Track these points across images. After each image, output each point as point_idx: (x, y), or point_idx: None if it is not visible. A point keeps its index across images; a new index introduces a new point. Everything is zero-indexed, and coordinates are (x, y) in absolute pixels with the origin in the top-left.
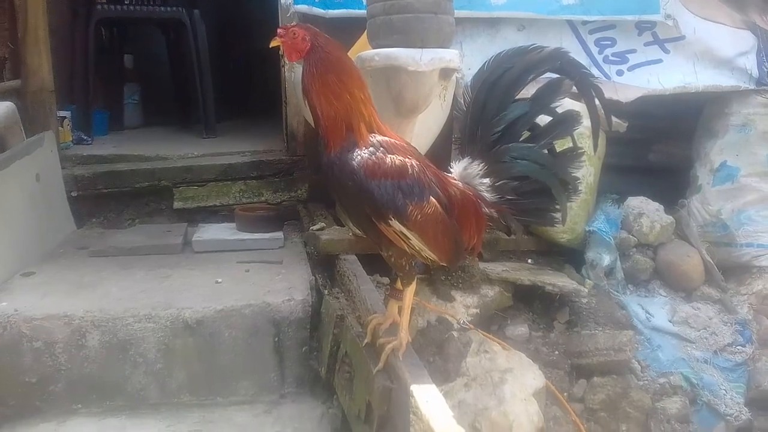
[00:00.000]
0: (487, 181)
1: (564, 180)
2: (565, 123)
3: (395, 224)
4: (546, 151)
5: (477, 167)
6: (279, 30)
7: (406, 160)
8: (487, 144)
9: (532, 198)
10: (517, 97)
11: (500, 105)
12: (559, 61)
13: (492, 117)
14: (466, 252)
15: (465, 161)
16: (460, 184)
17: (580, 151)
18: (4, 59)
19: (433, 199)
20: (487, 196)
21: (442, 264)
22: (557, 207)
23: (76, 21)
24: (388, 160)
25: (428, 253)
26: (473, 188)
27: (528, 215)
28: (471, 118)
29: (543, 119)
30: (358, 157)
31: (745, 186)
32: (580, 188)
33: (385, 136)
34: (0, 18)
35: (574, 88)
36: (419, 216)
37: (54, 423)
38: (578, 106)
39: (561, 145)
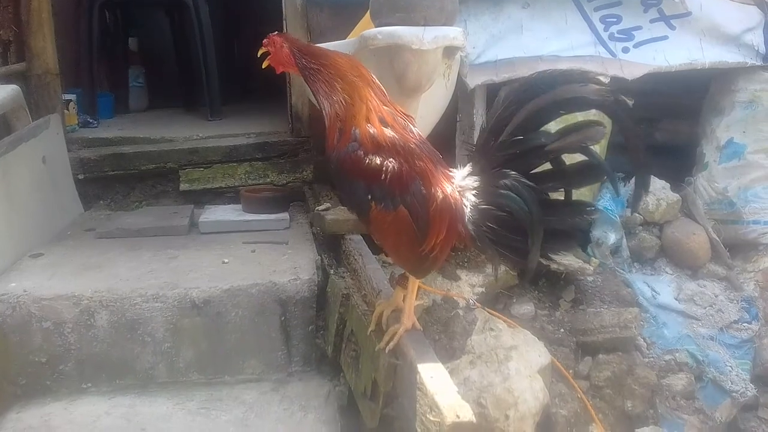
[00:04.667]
0: (474, 199)
1: (546, 239)
2: (588, 173)
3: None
4: (542, 199)
5: (474, 182)
6: (264, 41)
7: (386, 162)
8: (493, 162)
9: (513, 235)
10: (544, 125)
11: (523, 128)
12: (607, 101)
13: (509, 137)
14: (432, 262)
15: (467, 170)
16: (449, 188)
17: (582, 208)
18: (8, 42)
19: (404, 209)
20: (469, 214)
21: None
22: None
23: (80, 3)
24: (366, 160)
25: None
26: (461, 200)
27: (505, 250)
28: (491, 130)
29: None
30: (341, 155)
31: (752, 163)
32: (563, 253)
33: (383, 124)
34: (4, 1)
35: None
36: (381, 221)
37: (64, 402)
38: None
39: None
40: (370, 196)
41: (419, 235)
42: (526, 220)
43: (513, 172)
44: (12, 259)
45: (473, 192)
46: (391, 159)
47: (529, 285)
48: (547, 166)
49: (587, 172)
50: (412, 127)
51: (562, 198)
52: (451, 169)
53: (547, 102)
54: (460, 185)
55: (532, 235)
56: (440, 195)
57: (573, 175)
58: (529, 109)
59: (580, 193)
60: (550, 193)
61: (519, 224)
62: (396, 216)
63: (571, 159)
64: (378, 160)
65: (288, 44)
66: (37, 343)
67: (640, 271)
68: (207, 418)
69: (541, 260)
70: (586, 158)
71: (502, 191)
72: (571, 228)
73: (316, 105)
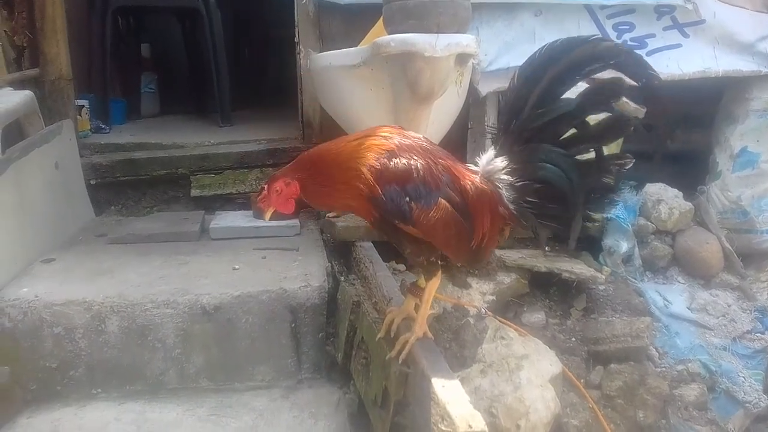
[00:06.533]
0: (507, 178)
1: (586, 200)
2: (614, 128)
3: (404, 228)
4: (577, 163)
5: (501, 162)
6: (259, 204)
7: (411, 162)
8: (519, 139)
9: (554, 204)
10: (565, 93)
11: (542, 100)
12: (619, 57)
13: (531, 111)
14: (485, 251)
15: (491, 154)
16: (478, 178)
17: (617, 161)
18: (22, 48)
19: (443, 201)
20: (506, 194)
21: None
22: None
23: (93, 10)
24: (391, 164)
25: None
26: (493, 184)
27: (548, 220)
28: (510, 108)
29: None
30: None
31: (766, 172)
32: (603, 213)
33: (393, 134)
34: (18, 7)
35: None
36: (426, 220)
37: (74, 407)
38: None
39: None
40: (408, 198)
41: (467, 226)
42: (567, 188)
43: (544, 145)
44: (24, 264)
45: (504, 171)
46: (414, 157)
47: (540, 293)
48: (572, 131)
49: (614, 127)
50: (419, 135)
51: (594, 157)
52: (470, 165)
53: (562, 69)
54: (486, 170)
55: (575, 200)
56: (471, 186)
57: (600, 133)
58: (547, 80)
59: None
60: (580, 156)
61: (558, 193)
62: (438, 209)
63: (594, 120)
64: (404, 161)
65: (295, 178)
66: (48, 349)
67: (652, 280)
68: (217, 425)
69: (585, 223)
70: (610, 114)
71: (538, 164)
72: (607, 184)
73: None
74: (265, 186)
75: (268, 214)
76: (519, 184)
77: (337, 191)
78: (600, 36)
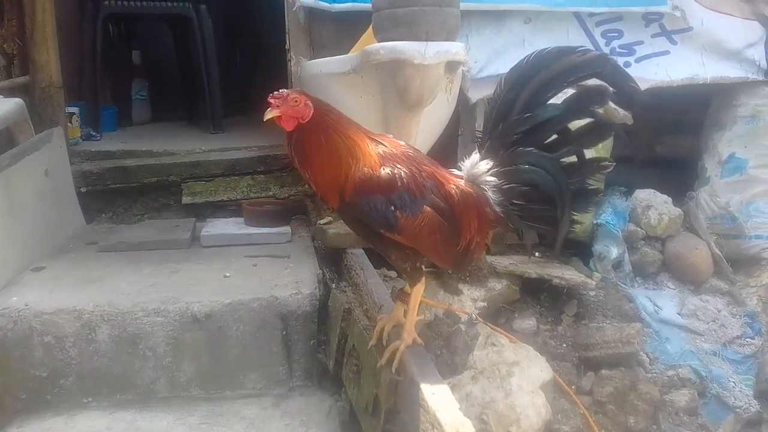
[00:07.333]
0: (493, 180)
1: (572, 200)
2: (595, 132)
3: (390, 236)
4: (562, 166)
5: (486, 165)
6: (272, 99)
7: (395, 170)
8: (505, 143)
9: (540, 205)
10: (550, 100)
11: (530, 105)
12: (605, 67)
13: (518, 116)
14: (472, 255)
15: (475, 158)
16: (462, 182)
17: (599, 164)
18: (12, 55)
19: (428, 209)
20: (492, 196)
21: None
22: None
23: (84, 17)
24: (375, 174)
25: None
26: (478, 187)
27: (535, 221)
28: (497, 113)
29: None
30: (352, 181)
31: (754, 178)
32: (589, 210)
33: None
34: (8, 14)
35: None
36: (411, 228)
37: (65, 416)
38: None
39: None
40: (393, 207)
41: (452, 232)
42: (555, 190)
43: (530, 149)
44: (14, 273)
45: (490, 174)
46: (398, 165)
47: (531, 299)
48: (555, 135)
49: (595, 132)
50: (402, 143)
51: (577, 160)
52: (453, 170)
53: (549, 76)
54: (471, 173)
55: (562, 202)
56: (456, 190)
57: (582, 138)
58: (534, 86)
59: None
60: (564, 159)
61: (544, 195)
62: (423, 217)
63: (575, 124)
64: (387, 170)
65: (314, 110)
66: (38, 358)
67: (642, 286)
68: None
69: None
70: (592, 119)
71: (525, 167)
72: (590, 186)
73: (305, 176)
74: (291, 91)
75: (271, 114)
76: (505, 187)
77: (325, 165)
78: (586, 47)
